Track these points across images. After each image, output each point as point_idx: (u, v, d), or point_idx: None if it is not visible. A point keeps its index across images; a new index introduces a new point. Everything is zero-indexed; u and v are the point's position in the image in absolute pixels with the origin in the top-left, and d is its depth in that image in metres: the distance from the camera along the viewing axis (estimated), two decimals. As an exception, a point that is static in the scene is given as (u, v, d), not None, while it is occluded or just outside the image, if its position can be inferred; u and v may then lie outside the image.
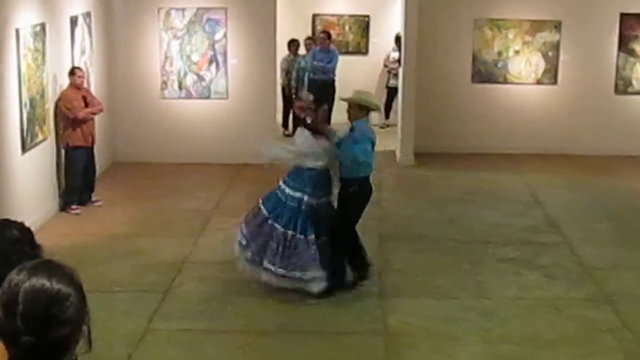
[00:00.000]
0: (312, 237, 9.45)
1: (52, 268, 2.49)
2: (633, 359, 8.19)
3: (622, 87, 16.93)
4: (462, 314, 9.20)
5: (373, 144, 9.69)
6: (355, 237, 9.82)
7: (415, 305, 9.35)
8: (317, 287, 9.40)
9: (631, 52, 16.80)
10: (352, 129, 9.60)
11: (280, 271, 9.40)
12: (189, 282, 10.07)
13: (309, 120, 9.84)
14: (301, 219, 9.46)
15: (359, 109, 9.62)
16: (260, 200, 9.84)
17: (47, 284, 2.41)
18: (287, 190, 9.60)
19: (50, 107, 12.54)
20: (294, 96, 18.15)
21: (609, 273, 10.42)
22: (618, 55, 16.82)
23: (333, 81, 18.13)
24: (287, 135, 18.48)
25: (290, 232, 9.42)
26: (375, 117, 19.64)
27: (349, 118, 9.73)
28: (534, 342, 8.53)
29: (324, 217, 9.52)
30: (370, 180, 9.75)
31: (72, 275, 2.49)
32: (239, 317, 9.09)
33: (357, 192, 9.49)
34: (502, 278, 10.29)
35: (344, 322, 8.98)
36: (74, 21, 13.52)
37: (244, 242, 9.66)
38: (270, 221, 9.54)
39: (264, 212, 9.64)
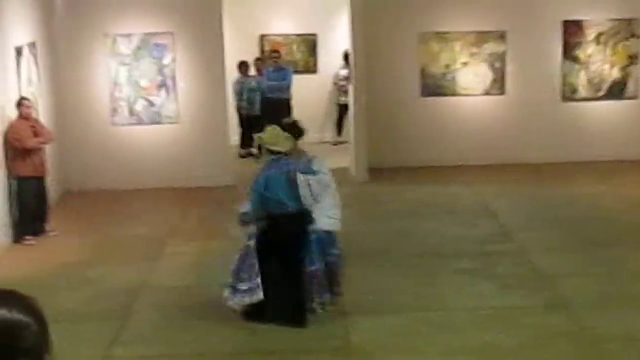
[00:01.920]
0: None
1: (12, 298, 2.49)
2: (591, 363, 8.30)
3: (569, 94, 17.13)
4: (421, 327, 9.24)
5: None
6: None
7: (376, 322, 9.37)
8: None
9: (576, 59, 17.02)
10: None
11: None
12: (146, 309, 10.03)
13: None
14: None
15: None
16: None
17: (8, 314, 2.42)
18: None
19: (-1, 139, 12.47)
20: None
21: (563, 279, 10.53)
22: (563, 63, 17.04)
23: (289, 100, 18.21)
24: (243, 157, 18.53)
25: None
26: (328, 135, 19.93)
27: None
28: (493, 351, 8.59)
29: None
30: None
31: (32, 306, 2.49)
32: (198, 342, 9.05)
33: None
34: (459, 289, 10.36)
35: (306, 341, 8.97)
36: (19, 52, 13.45)
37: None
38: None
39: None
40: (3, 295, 2.50)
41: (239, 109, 18.86)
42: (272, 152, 9.54)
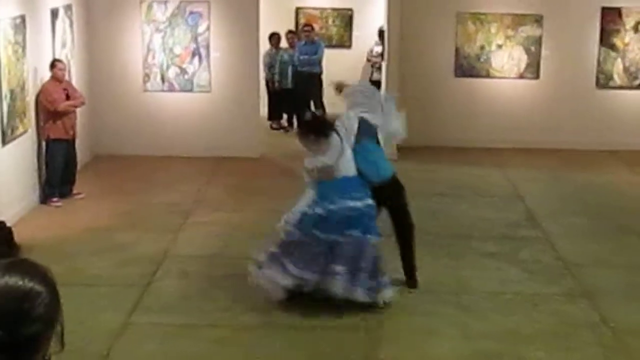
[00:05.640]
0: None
1: (26, 267, 2.51)
2: (611, 354, 8.23)
3: (604, 81, 16.98)
4: (441, 308, 9.22)
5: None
6: None
7: (395, 300, 9.35)
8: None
9: (612, 47, 16.86)
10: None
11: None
12: (169, 276, 10.06)
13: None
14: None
15: None
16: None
17: (20, 282, 2.44)
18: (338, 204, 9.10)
19: (30, 99, 12.50)
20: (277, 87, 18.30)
21: (588, 268, 10.46)
22: (599, 50, 16.88)
23: (320, 74, 18.11)
24: (274, 129, 18.50)
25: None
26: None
27: None
28: (512, 337, 8.55)
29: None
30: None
31: (45, 275, 2.52)
32: (219, 312, 9.07)
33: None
34: (483, 273, 10.31)
35: (324, 317, 8.95)
36: (54, 13, 13.48)
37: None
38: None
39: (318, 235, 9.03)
40: (16, 263, 2.53)
41: (268, 82, 18.78)
42: None
